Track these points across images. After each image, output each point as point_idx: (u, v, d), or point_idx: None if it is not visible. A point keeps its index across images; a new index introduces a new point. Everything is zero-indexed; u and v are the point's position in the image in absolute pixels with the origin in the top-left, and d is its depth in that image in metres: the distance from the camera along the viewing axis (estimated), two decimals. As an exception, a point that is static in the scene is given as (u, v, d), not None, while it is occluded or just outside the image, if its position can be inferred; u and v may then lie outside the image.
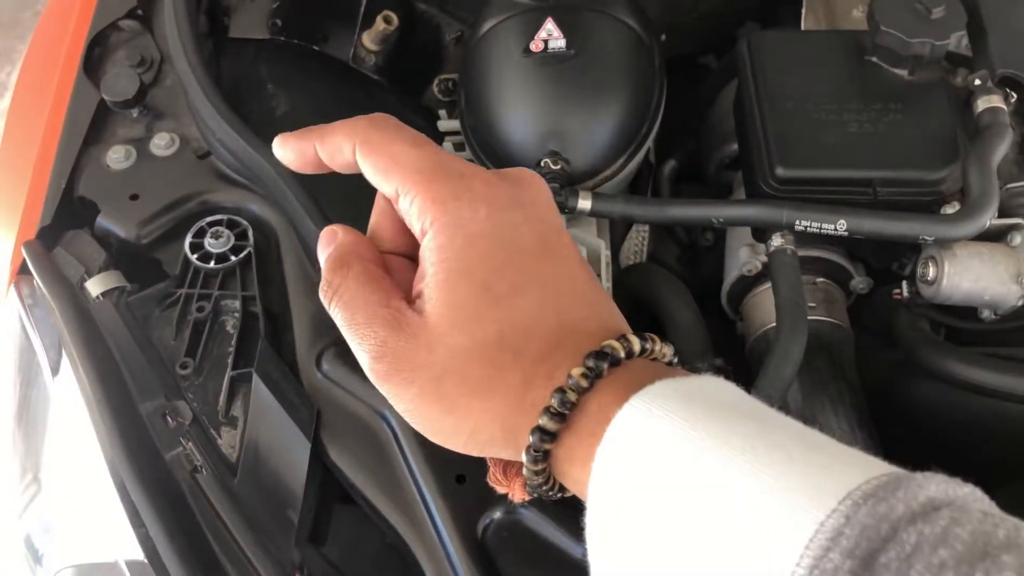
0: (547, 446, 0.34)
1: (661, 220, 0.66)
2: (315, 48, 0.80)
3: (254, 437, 0.58)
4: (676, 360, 0.38)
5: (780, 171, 0.64)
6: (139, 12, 0.75)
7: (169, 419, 0.57)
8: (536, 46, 0.67)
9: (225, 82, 0.76)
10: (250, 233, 0.65)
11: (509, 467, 0.39)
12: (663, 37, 0.83)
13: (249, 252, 0.64)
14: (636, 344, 0.35)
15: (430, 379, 0.35)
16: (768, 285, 0.72)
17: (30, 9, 2.29)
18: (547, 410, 0.34)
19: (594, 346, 0.35)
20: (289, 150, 0.40)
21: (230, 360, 0.60)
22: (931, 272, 0.63)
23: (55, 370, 0.62)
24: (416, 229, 0.37)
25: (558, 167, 0.65)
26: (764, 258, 0.73)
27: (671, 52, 0.90)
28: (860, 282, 0.73)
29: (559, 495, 0.37)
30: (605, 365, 0.34)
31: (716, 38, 0.98)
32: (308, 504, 0.56)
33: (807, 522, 0.27)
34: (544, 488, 0.37)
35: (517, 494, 0.39)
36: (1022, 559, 0.25)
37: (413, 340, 0.35)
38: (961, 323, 0.67)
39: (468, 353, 0.35)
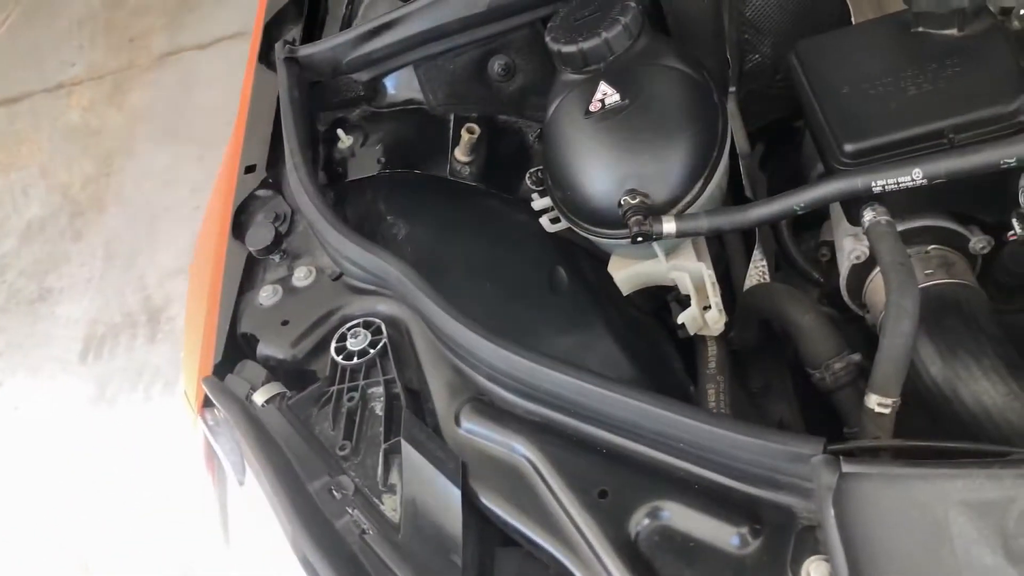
0: None
1: (746, 225, 0.68)
2: (418, 172, 0.91)
3: (411, 495, 0.62)
4: None
5: (848, 146, 0.66)
6: (269, 180, 0.88)
7: (335, 493, 0.64)
8: (594, 107, 0.74)
9: (351, 222, 0.87)
10: (383, 328, 0.73)
11: None
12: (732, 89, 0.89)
13: (384, 343, 0.71)
14: None
15: None
16: (880, 267, 0.72)
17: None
18: None
19: None
20: None
21: (381, 437, 0.67)
22: (1033, 198, 0.61)
23: (240, 482, 0.70)
24: None
25: (636, 201, 0.70)
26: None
27: (767, 118, 0.94)
28: (979, 241, 0.71)
29: None
30: None
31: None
32: (470, 549, 0.60)
33: None
34: None
35: None
36: None
37: None
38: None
39: None
